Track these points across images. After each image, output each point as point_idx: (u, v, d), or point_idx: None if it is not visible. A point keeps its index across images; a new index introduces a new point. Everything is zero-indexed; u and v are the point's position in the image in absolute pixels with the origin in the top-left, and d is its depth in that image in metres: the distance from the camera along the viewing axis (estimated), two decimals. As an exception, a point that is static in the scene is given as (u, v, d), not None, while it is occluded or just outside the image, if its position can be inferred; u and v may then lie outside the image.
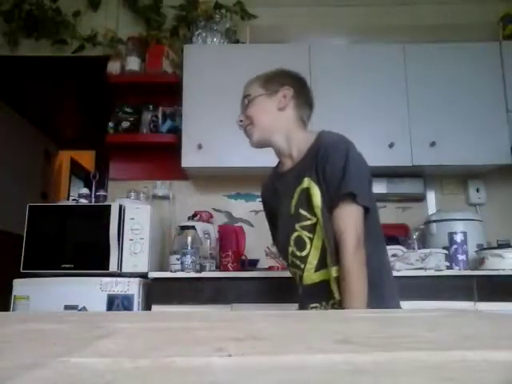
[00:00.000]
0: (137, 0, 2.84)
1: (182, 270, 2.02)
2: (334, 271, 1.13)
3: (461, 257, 2.14)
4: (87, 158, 4.49)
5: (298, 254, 1.20)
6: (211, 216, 2.52)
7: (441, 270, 2.05)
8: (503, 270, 2.05)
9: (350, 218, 1.12)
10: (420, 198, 2.72)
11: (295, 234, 1.20)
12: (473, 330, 0.47)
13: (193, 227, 2.18)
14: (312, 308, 1.19)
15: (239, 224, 2.58)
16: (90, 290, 2.00)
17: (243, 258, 2.29)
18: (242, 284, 2.06)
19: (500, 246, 2.24)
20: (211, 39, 2.64)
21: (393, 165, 2.38)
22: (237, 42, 2.75)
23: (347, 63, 2.54)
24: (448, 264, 2.12)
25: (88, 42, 2.79)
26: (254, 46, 2.65)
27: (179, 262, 2.05)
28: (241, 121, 1.32)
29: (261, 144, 1.34)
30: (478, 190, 2.74)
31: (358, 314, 0.63)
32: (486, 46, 2.56)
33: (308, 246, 1.18)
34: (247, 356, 0.31)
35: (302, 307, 1.24)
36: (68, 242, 2.18)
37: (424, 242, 2.47)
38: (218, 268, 2.23)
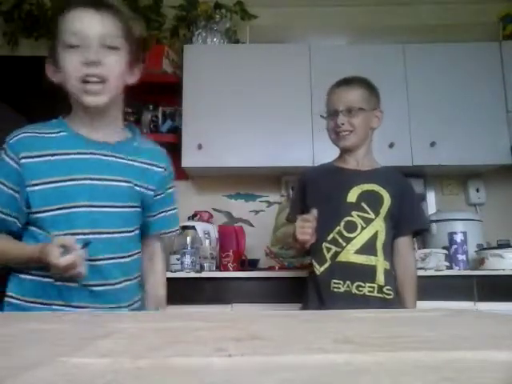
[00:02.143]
0: (137, 0, 2.84)
1: (182, 270, 2.02)
2: (386, 264, 1.37)
3: (461, 257, 2.14)
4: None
5: (345, 234, 1.37)
6: (211, 216, 2.52)
7: (441, 270, 2.05)
8: (503, 270, 2.05)
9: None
10: (420, 198, 2.72)
11: (349, 218, 1.38)
12: (473, 330, 0.47)
13: (193, 227, 2.18)
14: (335, 284, 1.35)
15: (239, 224, 2.58)
16: (90, 290, 2.00)
17: (243, 257, 2.29)
18: (242, 284, 2.06)
19: (500, 246, 2.24)
20: (211, 39, 2.64)
21: (393, 165, 2.37)
22: (237, 42, 2.75)
23: (347, 63, 2.54)
24: (448, 264, 2.12)
25: (88, 42, 2.79)
26: (253, 46, 2.65)
27: (179, 261, 2.05)
28: (342, 124, 1.42)
29: (347, 148, 1.47)
30: (477, 190, 2.74)
31: (358, 314, 0.63)
32: (486, 45, 2.56)
33: (357, 232, 1.37)
34: (247, 356, 0.31)
35: (322, 282, 1.38)
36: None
37: (424, 241, 2.47)
38: (218, 268, 2.23)
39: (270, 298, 2.03)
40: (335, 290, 1.35)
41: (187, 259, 2.02)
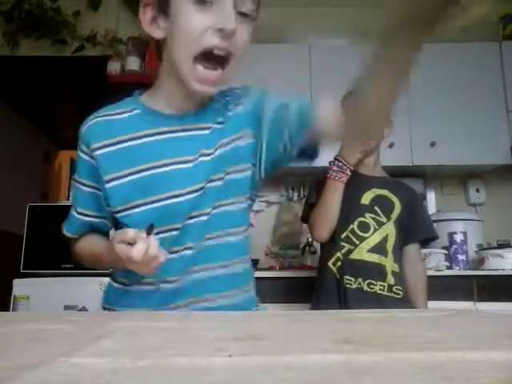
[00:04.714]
0: (137, 0, 2.84)
1: (182, 270, 2.02)
2: (394, 267, 1.42)
3: (461, 257, 2.14)
4: (87, 158, 4.48)
5: (359, 233, 1.42)
6: (211, 216, 2.52)
7: (441, 270, 2.05)
8: (503, 270, 2.05)
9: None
10: (420, 198, 2.72)
11: (362, 219, 1.43)
12: (473, 330, 0.47)
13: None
14: (347, 280, 1.39)
15: (239, 224, 2.58)
16: (90, 290, 2.00)
17: (243, 258, 2.29)
18: (241, 284, 2.05)
19: (500, 246, 2.24)
20: (211, 39, 2.64)
21: (393, 165, 2.38)
22: (237, 41, 2.75)
23: (347, 63, 2.53)
24: (448, 264, 2.12)
25: (88, 42, 2.79)
26: (254, 46, 2.63)
27: (179, 262, 2.05)
28: None
29: (367, 155, 1.52)
30: (477, 190, 2.74)
31: (358, 314, 0.63)
32: (486, 45, 2.56)
33: (371, 232, 1.42)
34: (247, 356, 0.31)
35: (335, 278, 1.42)
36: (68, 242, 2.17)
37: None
38: (218, 268, 2.23)
39: (270, 298, 2.03)
40: (347, 286, 1.39)
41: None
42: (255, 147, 0.83)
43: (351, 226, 1.43)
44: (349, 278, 1.39)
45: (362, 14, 2.88)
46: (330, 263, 1.43)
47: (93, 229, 0.89)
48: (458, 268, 2.12)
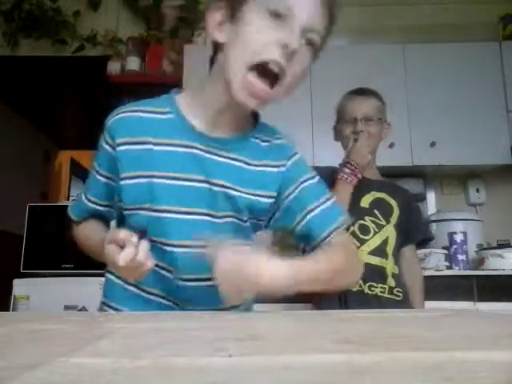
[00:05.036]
0: (137, 0, 2.84)
1: (182, 270, 2.01)
2: (395, 269, 1.41)
3: (461, 257, 2.14)
4: (87, 158, 4.48)
5: (360, 235, 1.41)
6: (211, 216, 2.52)
7: (441, 270, 2.05)
8: (503, 270, 2.05)
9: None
10: (420, 198, 2.72)
11: (362, 222, 1.42)
12: (473, 330, 0.47)
13: (193, 227, 2.18)
14: None
15: (239, 224, 2.58)
16: (90, 290, 2.00)
17: (243, 258, 2.29)
18: (241, 284, 2.05)
19: (500, 246, 2.24)
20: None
21: (393, 165, 2.38)
22: (237, 42, 2.75)
23: (347, 63, 2.54)
24: (448, 264, 2.12)
25: (88, 42, 2.79)
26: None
27: (179, 262, 2.05)
28: (361, 131, 1.44)
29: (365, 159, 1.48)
30: (477, 190, 2.74)
31: (358, 314, 0.63)
32: (486, 45, 2.56)
33: (371, 235, 1.41)
34: (247, 356, 0.31)
35: None
36: (68, 242, 2.18)
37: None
38: (218, 268, 2.23)
39: (270, 298, 2.03)
40: (348, 289, 1.38)
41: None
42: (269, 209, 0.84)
43: (352, 228, 1.41)
44: None
45: (361, 14, 2.88)
46: None
47: (97, 215, 0.90)
48: (457, 268, 2.12)
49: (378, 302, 1.36)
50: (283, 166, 0.84)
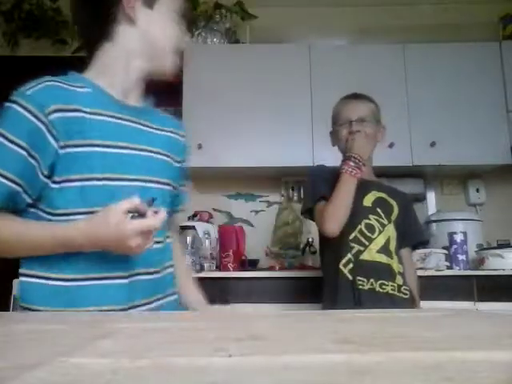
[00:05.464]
0: None
1: (182, 270, 2.02)
2: (399, 268, 1.43)
3: (461, 257, 2.14)
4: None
5: (367, 234, 1.42)
6: (211, 216, 2.52)
7: (441, 270, 2.05)
8: (503, 270, 2.05)
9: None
10: (420, 198, 2.72)
11: (367, 221, 1.43)
12: (473, 330, 0.47)
13: (193, 227, 2.18)
14: (360, 281, 1.38)
15: (239, 224, 2.58)
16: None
17: (243, 257, 2.29)
18: (241, 284, 2.06)
19: (500, 246, 2.24)
20: (211, 39, 2.64)
21: (393, 165, 2.38)
22: (237, 42, 2.75)
23: (347, 63, 2.54)
24: (448, 264, 2.12)
25: (88, 41, 2.79)
26: (253, 46, 2.66)
27: (179, 262, 2.05)
28: (358, 131, 1.46)
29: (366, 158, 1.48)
30: (477, 190, 2.74)
31: (358, 314, 0.63)
32: (486, 45, 2.56)
33: (376, 233, 1.43)
34: (247, 356, 0.31)
35: (347, 280, 1.40)
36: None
37: (424, 242, 2.47)
38: (218, 268, 2.23)
39: (270, 298, 2.03)
40: (360, 287, 1.38)
41: (187, 259, 2.02)
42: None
43: (359, 226, 1.43)
44: (361, 278, 1.38)
45: (361, 13, 2.88)
46: (341, 265, 1.42)
47: (7, 202, 0.77)
48: (458, 268, 2.12)
49: (390, 299, 1.37)
50: (183, 136, 1.01)
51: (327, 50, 2.60)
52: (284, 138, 2.44)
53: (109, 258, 0.78)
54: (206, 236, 2.28)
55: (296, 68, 2.54)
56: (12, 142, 0.75)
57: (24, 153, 0.76)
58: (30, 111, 0.76)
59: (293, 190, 2.73)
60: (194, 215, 2.45)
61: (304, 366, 0.27)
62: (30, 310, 0.81)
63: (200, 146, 2.40)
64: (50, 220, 0.79)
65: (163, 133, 0.94)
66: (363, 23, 2.86)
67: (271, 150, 2.44)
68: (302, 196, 2.67)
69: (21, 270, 0.84)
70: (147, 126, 0.91)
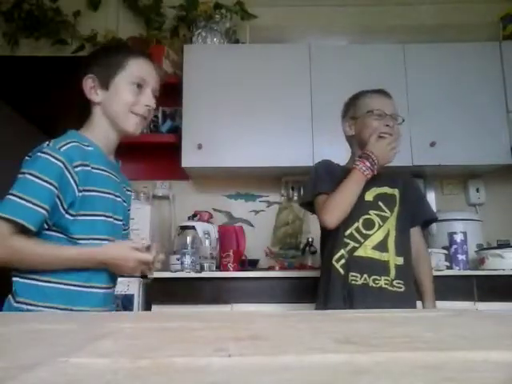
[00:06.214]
0: (137, 0, 2.84)
1: (182, 270, 2.02)
2: (397, 260, 1.42)
3: (461, 257, 2.14)
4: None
5: (363, 231, 1.43)
6: (211, 216, 2.52)
7: (441, 270, 2.05)
8: (503, 270, 2.05)
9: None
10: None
11: (367, 217, 1.44)
12: (473, 330, 0.47)
13: (193, 227, 2.18)
14: (352, 277, 1.40)
15: (239, 224, 2.58)
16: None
17: (243, 257, 2.29)
18: (241, 284, 2.06)
19: (500, 246, 2.24)
20: (211, 39, 2.64)
21: (393, 165, 2.38)
22: (237, 42, 2.75)
23: (347, 63, 2.54)
24: (448, 264, 2.12)
25: (88, 42, 2.78)
26: (253, 46, 2.66)
27: (179, 262, 2.05)
28: (392, 126, 1.46)
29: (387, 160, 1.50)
30: (477, 190, 2.74)
31: (359, 313, 0.63)
32: (486, 45, 2.56)
33: (375, 229, 1.43)
34: (247, 356, 0.31)
35: (340, 275, 1.41)
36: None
37: (424, 241, 2.47)
38: (218, 268, 2.23)
39: (270, 298, 2.03)
40: (352, 282, 1.39)
41: (187, 259, 2.02)
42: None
43: (356, 223, 1.44)
44: (354, 274, 1.40)
45: (362, 13, 2.88)
46: (333, 260, 1.43)
47: (40, 226, 1.01)
48: (458, 268, 2.12)
49: (383, 293, 1.38)
50: (129, 191, 1.31)
51: (327, 50, 2.60)
52: (284, 138, 2.44)
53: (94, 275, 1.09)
54: (206, 236, 2.28)
55: (296, 68, 2.54)
56: (44, 180, 1.00)
57: (54, 189, 1.01)
58: (61, 162, 1.02)
59: (293, 189, 2.72)
60: (194, 215, 2.45)
61: (304, 366, 0.27)
62: (26, 304, 1.02)
63: (200, 146, 2.40)
64: (64, 241, 1.05)
65: (122, 185, 1.24)
66: (363, 23, 2.87)
67: (271, 150, 2.44)
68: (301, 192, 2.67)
69: (16, 272, 1.06)
70: (116, 177, 1.19)
